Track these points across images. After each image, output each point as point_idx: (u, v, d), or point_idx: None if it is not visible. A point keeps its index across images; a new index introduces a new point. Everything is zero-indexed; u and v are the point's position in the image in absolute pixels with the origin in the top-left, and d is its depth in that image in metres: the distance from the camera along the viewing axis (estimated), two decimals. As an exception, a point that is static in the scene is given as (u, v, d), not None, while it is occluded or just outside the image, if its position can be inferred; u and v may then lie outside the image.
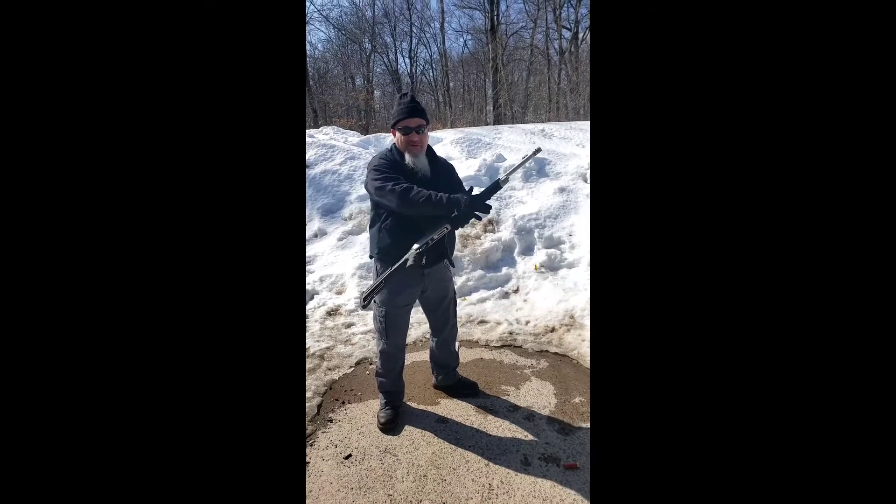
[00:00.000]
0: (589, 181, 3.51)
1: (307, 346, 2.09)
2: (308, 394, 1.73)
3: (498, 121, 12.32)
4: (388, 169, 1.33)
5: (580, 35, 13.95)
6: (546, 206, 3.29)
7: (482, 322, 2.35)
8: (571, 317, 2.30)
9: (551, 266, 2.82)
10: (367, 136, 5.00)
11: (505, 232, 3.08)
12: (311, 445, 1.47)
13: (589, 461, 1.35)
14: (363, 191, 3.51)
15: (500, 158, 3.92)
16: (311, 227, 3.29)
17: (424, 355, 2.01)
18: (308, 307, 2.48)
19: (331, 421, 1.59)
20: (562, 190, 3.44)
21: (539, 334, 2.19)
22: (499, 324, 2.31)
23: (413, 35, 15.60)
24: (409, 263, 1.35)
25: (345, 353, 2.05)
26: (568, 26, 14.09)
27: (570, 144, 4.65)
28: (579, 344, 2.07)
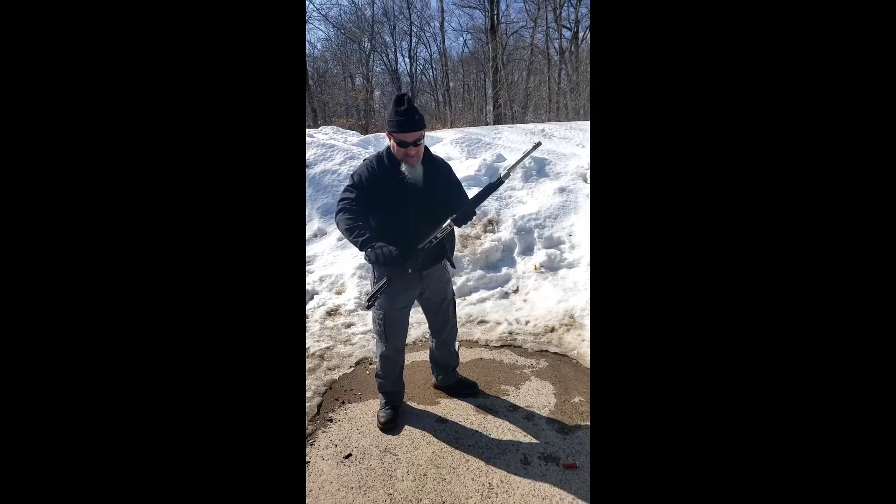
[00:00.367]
0: (589, 181, 3.52)
1: (307, 345, 2.09)
2: (308, 393, 1.73)
3: (498, 121, 12.32)
4: (354, 185, 1.33)
5: (580, 35, 13.95)
6: (546, 206, 3.29)
7: (482, 322, 2.35)
8: (571, 317, 2.31)
9: (551, 266, 2.82)
10: (367, 135, 5.00)
11: (505, 232, 3.09)
12: (312, 445, 1.47)
13: (588, 460, 1.35)
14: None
15: (500, 158, 3.92)
16: (311, 226, 3.29)
17: (424, 355, 2.01)
18: (308, 307, 2.49)
19: (331, 420, 1.60)
20: (562, 190, 3.44)
21: (539, 334, 2.19)
22: (499, 324, 2.31)
23: (413, 34, 15.59)
24: (409, 270, 1.35)
25: (344, 353, 2.05)
26: (568, 26, 14.09)
27: (570, 144, 4.65)
28: (579, 344, 2.07)
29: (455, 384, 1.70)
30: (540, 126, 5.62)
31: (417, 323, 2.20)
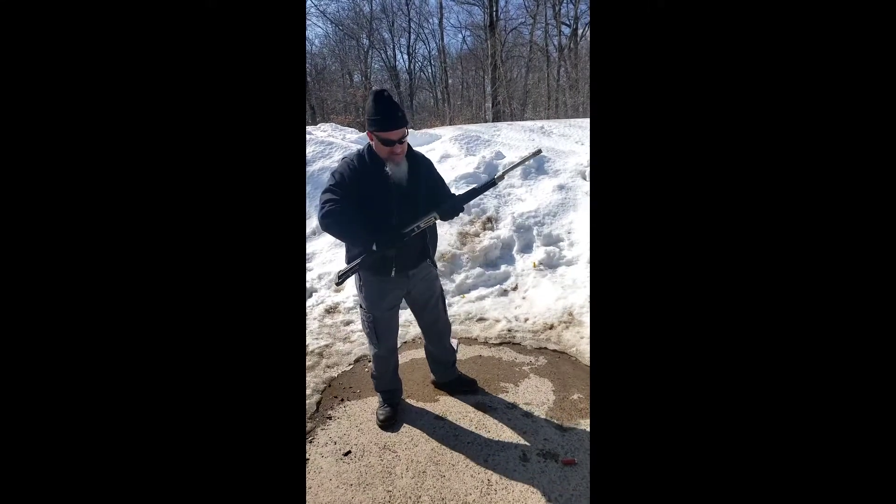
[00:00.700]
0: (588, 179, 3.52)
1: (306, 343, 2.09)
2: (307, 391, 1.73)
3: (497, 118, 12.29)
4: (336, 184, 1.26)
5: (579, 32, 13.90)
6: (545, 203, 3.29)
7: (481, 319, 2.35)
8: (570, 314, 2.31)
9: (550, 263, 2.82)
10: (365, 132, 4.98)
11: (504, 230, 3.08)
12: (311, 442, 1.47)
13: (586, 457, 1.36)
14: (362, 188, 3.49)
15: (499, 156, 3.91)
16: (310, 224, 3.29)
17: (423, 352, 2.02)
18: (307, 305, 2.48)
19: (330, 418, 1.60)
20: (561, 187, 3.44)
21: (538, 331, 2.20)
22: (497, 321, 2.31)
23: (411, 31, 15.52)
24: (391, 254, 1.31)
25: (344, 351, 2.05)
26: (567, 23, 14.04)
27: (569, 142, 4.64)
28: (578, 341, 2.08)
29: (454, 381, 1.70)
30: (539, 123, 5.61)
31: (415, 321, 2.20)
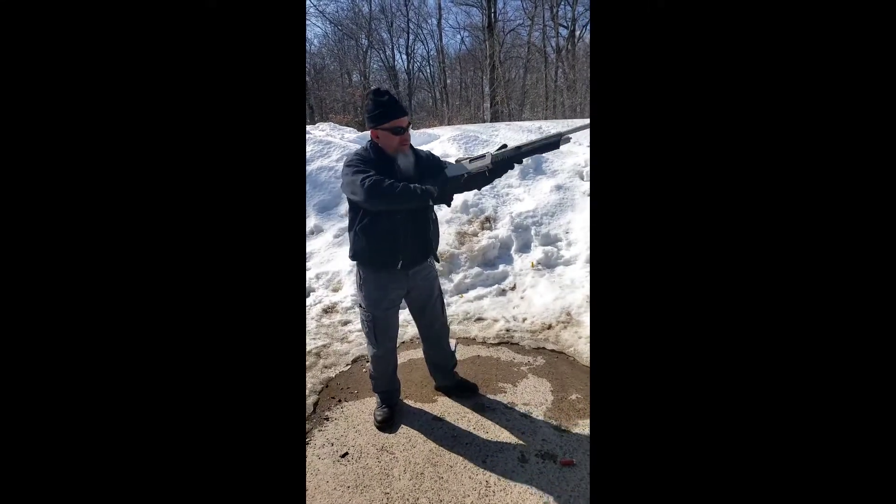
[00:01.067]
0: (586, 179, 3.51)
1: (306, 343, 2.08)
2: (304, 392, 1.72)
3: (495, 118, 12.30)
4: (360, 163, 1.24)
5: (577, 33, 13.94)
6: (543, 203, 3.29)
7: (479, 319, 2.34)
8: (568, 314, 2.31)
9: (548, 263, 2.82)
10: (364, 132, 4.97)
11: (502, 229, 3.08)
12: (308, 444, 1.46)
13: (585, 458, 1.35)
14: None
15: (498, 156, 3.90)
16: (308, 223, 3.27)
17: (421, 352, 2.01)
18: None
19: (327, 419, 1.59)
20: (558, 187, 3.44)
21: (536, 331, 2.19)
22: (496, 321, 2.30)
23: (410, 31, 15.52)
24: (488, 164, 1.21)
25: (341, 351, 2.04)
26: (565, 24, 14.08)
27: (568, 143, 4.63)
28: (576, 341, 2.07)
29: (455, 386, 1.68)
30: (537, 123, 5.61)
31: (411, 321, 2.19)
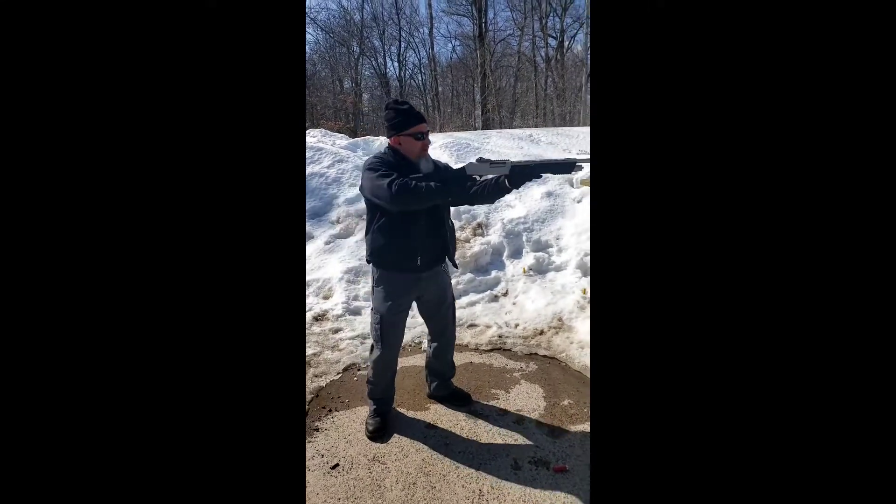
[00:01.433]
0: (576, 186, 3.56)
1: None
2: (294, 401, 1.69)
3: (486, 126, 12.42)
4: (383, 166, 1.29)
5: (566, 44, 14.21)
6: (534, 210, 3.31)
7: (472, 326, 2.34)
8: (560, 319, 2.31)
9: (539, 269, 2.83)
10: (356, 139, 4.97)
11: (494, 235, 3.09)
12: (297, 454, 1.43)
13: (578, 463, 1.35)
14: (351, 194, 3.48)
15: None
16: (298, 230, 3.24)
17: (414, 360, 1.99)
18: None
19: (317, 430, 1.56)
20: (549, 194, 3.47)
21: (528, 337, 2.19)
22: (488, 327, 2.30)
23: (402, 39, 15.64)
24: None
25: (332, 360, 2.01)
26: (554, 35, 14.34)
27: (556, 150, 4.70)
28: (567, 346, 2.08)
29: (449, 395, 1.67)
30: (528, 131, 5.67)
31: (407, 327, 2.17)
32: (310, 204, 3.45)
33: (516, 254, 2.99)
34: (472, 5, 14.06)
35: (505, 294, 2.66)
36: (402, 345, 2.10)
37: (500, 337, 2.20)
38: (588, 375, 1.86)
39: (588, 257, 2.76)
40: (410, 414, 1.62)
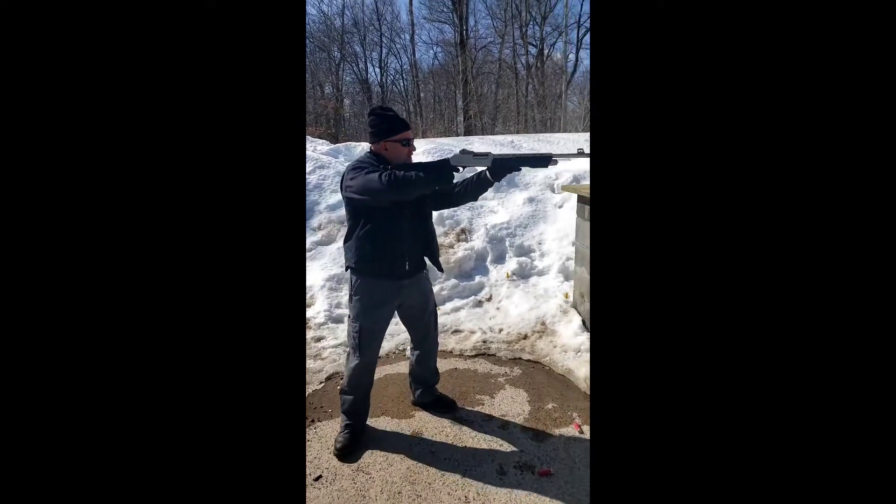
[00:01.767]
0: (558, 191, 3.62)
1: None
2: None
3: (469, 131, 12.53)
4: (370, 165, 1.29)
5: (545, 52, 14.52)
6: (516, 215, 3.36)
7: (456, 331, 2.34)
8: (543, 323, 2.34)
9: (522, 274, 2.87)
10: (337, 144, 4.93)
11: (477, 241, 3.11)
12: (279, 467, 1.40)
13: (562, 467, 1.37)
14: (332, 200, 3.44)
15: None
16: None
17: (398, 368, 1.98)
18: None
19: (300, 440, 1.53)
20: (531, 200, 3.52)
21: (512, 342, 2.21)
22: (473, 332, 2.31)
23: (383, 45, 15.67)
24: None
25: (315, 369, 1.98)
26: (534, 43, 14.63)
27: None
28: (551, 350, 2.11)
29: (434, 401, 1.67)
30: (509, 137, 5.75)
31: (391, 335, 2.16)
32: (291, 210, 3.40)
33: (500, 259, 3.02)
34: (453, 12, 14.24)
35: (489, 299, 2.68)
36: (387, 352, 2.10)
37: (484, 342, 2.21)
38: (570, 379, 1.89)
39: (571, 261, 2.81)
40: (395, 421, 1.61)
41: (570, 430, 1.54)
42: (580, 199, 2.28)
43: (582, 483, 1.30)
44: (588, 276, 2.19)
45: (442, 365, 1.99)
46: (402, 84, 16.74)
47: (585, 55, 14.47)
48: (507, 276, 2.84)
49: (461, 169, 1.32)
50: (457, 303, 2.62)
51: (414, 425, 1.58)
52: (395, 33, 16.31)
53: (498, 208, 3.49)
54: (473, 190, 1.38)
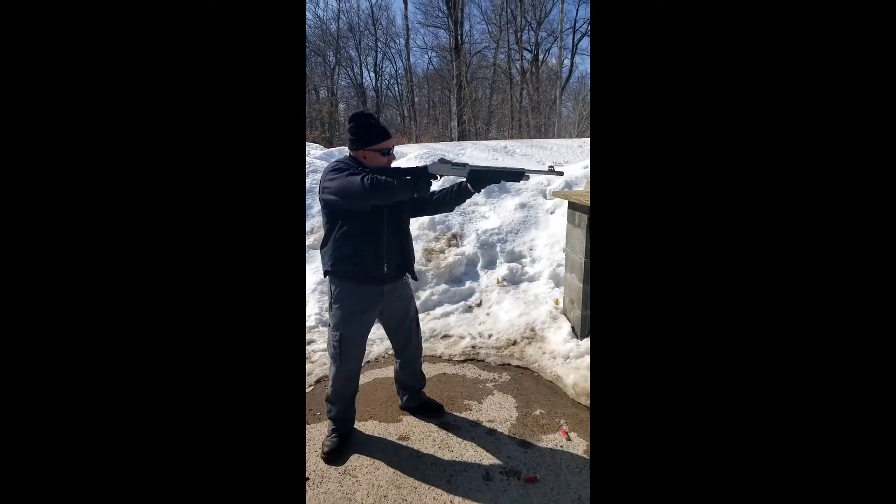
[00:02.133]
0: (549, 197, 3.66)
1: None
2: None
3: (462, 136, 12.59)
4: (349, 168, 1.28)
5: (540, 57, 14.67)
6: (508, 221, 3.38)
7: (446, 336, 2.35)
8: (532, 329, 2.36)
9: (513, 280, 2.89)
10: (331, 148, 4.93)
11: (468, 246, 3.13)
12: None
13: (548, 473, 1.38)
14: (325, 204, 3.43)
15: (464, 174, 3.99)
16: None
17: (387, 372, 1.98)
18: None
19: (287, 445, 1.52)
20: (522, 206, 3.55)
21: (501, 347, 2.22)
22: (462, 338, 2.32)
23: (378, 50, 15.72)
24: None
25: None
26: (529, 48, 14.79)
27: (531, 161, 4.83)
28: (540, 356, 2.12)
29: (421, 406, 1.67)
30: (503, 143, 5.80)
31: (380, 339, 2.16)
32: (283, 213, 3.39)
33: (490, 264, 3.04)
34: (448, 17, 14.36)
35: (479, 305, 2.69)
36: (375, 357, 2.10)
37: (473, 347, 2.22)
38: (559, 385, 1.91)
39: (561, 267, 2.84)
40: (383, 426, 1.61)
41: (557, 437, 1.56)
42: (571, 206, 2.31)
43: (568, 489, 1.32)
44: (578, 284, 2.22)
45: (430, 370, 2.00)
46: (396, 89, 16.80)
47: (580, 61, 14.69)
48: (498, 282, 2.85)
49: (439, 177, 1.34)
50: (447, 308, 2.63)
51: (401, 430, 1.59)
52: (390, 38, 16.39)
53: (489, 214, 3.51)
54: (452, 200, 1.40)
